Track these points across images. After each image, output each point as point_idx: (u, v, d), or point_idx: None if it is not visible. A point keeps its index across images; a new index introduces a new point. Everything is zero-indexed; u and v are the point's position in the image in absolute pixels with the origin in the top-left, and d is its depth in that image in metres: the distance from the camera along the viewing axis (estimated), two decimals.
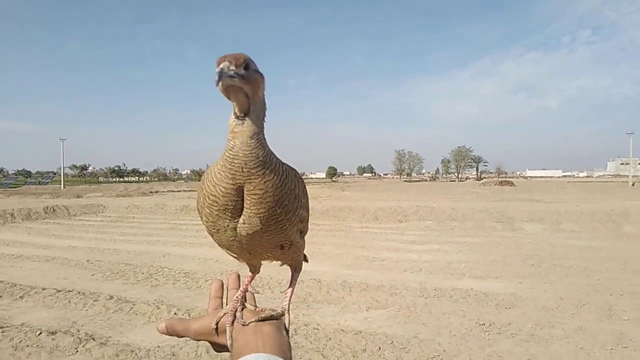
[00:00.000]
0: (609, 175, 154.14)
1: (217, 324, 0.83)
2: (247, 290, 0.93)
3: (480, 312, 5.88)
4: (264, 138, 0.77)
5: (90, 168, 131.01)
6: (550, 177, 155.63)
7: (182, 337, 0.86)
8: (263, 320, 0.82)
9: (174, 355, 4.60)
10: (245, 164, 0.74)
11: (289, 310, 0.89)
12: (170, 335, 0.85)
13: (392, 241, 11.94)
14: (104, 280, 7.90)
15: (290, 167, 0.83)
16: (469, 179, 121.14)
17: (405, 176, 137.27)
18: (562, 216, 15.48)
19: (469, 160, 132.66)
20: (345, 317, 5.85)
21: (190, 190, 42.85)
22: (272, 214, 0.77)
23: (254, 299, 0.95)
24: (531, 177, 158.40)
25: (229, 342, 0.80)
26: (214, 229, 0.82)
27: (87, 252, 10.55)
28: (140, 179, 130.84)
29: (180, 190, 43.93)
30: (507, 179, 66.71)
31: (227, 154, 0.75)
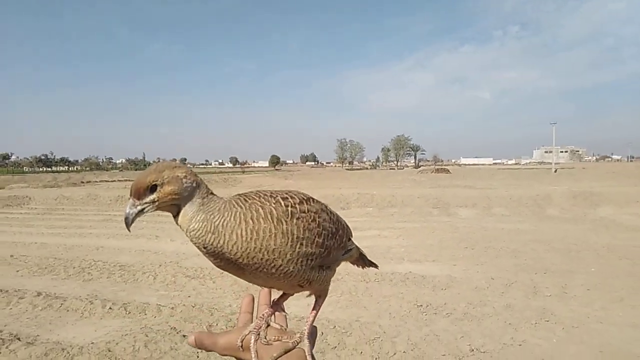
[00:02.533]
0: (534, 162, 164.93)
1: (242, 340, 0.83)
2: (276, 311, 0.93)
3: (418, 294, 6.12)
4: (207, 208, 0.78)
5: (13, 157, 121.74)
6: (482, 164, 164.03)
7: (210, 351, 0.86)
8: (279, 356, 0.81)
9: (109, 351, 4.40)
10: (204, 244, 0.75)
11: (309, 336, 0.86)
12: (199, 348, 0.86)
13: None
14: (31, 276, 7.39)
15: (275, 204, 0.79)
16: (407, 166, 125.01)
17: (347, 164, 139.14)
18: (492, 201, 16.39)
19: (408, 149, 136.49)
20: (288, 304, 5.83)
21: (125, 180, 40.91)
22: (264, 263, 0.76)
23: (285, 320, 0.94)
24: (465, 164, 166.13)
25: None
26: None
27: (11, 247, 9.82)
28: (70, 168, 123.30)
29: (114, 180, 41.87)
30: (443, 167, 69.38)
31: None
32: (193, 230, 0.75)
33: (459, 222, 13.22)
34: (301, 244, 0.78)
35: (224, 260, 0.77)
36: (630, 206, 15.01)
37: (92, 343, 4.61)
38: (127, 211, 0.76)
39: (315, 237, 0.80)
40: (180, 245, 9.85)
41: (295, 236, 0.77)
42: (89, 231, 12.09)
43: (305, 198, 0.84)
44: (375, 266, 1.15)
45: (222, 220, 0.76)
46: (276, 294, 0.96)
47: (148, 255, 8.85)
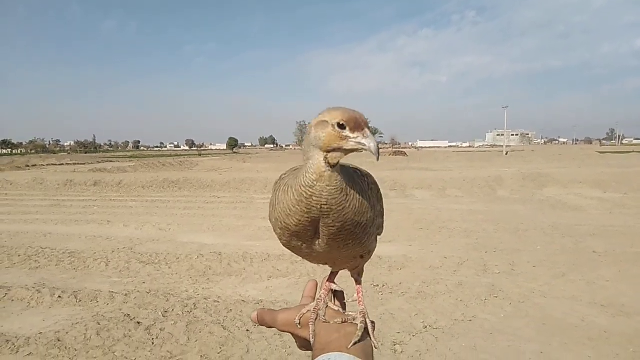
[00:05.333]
0: (487, 145, 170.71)
1: (300, 318, 0.86)
2: (332, 289, 0.95)
3: (375, 274, 6.24)
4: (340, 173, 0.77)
5: None
6: (438, 147, 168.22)
7: (270, 327, 0.89)
8: (354, 344, 0.80)
9: (59, 340, 4.25)
10: (326, 202, 0.74)
11: (368, 317, 0.87)
12: (261, 325, 0.89)
13: None
14: None
15: (364, 176, 0.85)
16: None
17: None
18: (447, 183, 16.87)
19: None
20: (247, 288, 5.86)
21: (75, 164, 39.12)
22: (349, 236, 0.78)
23: (343, 296, 0.96)
24: (422, 147, 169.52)
25: (311, 338, 0.83)
26: (288, 245, 0.84)
27: None
28: (14, 151, 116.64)
29: (62, 164, 39.90)
30: (401, 150, 70.59)
31: (303, 190, 0.74)
32: (333, 188, 0.74)
33: (415, 203, 13.53)
34: (377, 216, 0.84)
35: (312, 223, 0.76)
36: (575, 187, 15.86)
37: (40, 333, 4.43)
38: (375, 143, 0.74)
39: (381, 208, 0.88)
40: (134, 231, 9.58)
41: (375, 209, 0.83)
42: (36, 217, 11.52)
43: (369, 174, 0.89)
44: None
45: (346, 183, 0.77)
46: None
47: (100, 242, 8.55)
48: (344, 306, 0.95)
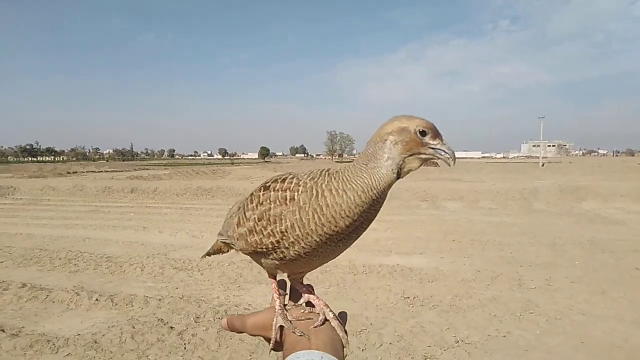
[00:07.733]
0: (522, 156, 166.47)
1: (276, 323, 0.88)
2: (282, 294, 0.97)
3: (405, 286, 6.17)
4: None
5: None
6: (471, 158, 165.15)
7: (240, 332, 0.91)
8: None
9: (95, 342, 4.38)
10: (383, 201, 0.82)
11: (335, 312, 0.90)
12: (231, 330, 0.90)
13: None
14: (16, 267, 7.31)
15: None
16: None
17: (337, 157, 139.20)
18: (480, 194, 16.51)
19: None
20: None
21: (113, 171, 40.48)
22: (367, 227, 0.84)
23: (300, 295, 0.98)
24: None
25: (279, 338, 0.86)
26: (307, 251, 0.83)
27: None
28: (56, 158, 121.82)
29: (101, 171, 41.35)
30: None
31: (373, 193, 0.79)
32: (387, 189, 0.81)
33: (447, 215, 13.31)
34: None
35: (361, 220, 0.80)
36: (615, 200, 15.23)
37: (78, 335, 4.58)
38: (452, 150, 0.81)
39: None
40: (168, 237, 9.81)
41: None
42: (75, 222, 11.98)
43: None
44: None
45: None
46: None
47: (135, 247, 8.79)
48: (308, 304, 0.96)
